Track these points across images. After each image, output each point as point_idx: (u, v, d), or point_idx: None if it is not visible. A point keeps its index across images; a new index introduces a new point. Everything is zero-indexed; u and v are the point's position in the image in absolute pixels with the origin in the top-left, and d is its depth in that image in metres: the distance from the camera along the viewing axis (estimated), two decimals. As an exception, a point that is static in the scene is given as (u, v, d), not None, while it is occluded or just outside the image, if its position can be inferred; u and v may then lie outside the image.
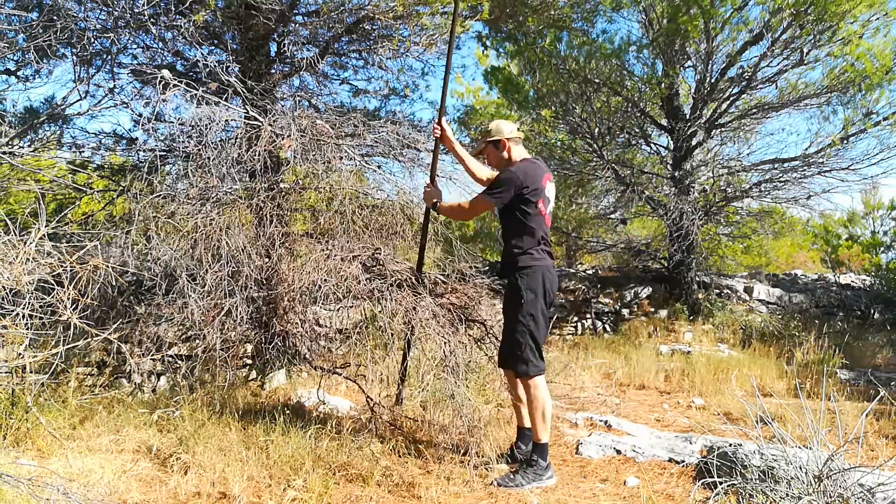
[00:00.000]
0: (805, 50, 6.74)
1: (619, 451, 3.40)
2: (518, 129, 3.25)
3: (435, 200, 3.30)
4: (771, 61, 7.09)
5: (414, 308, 3.23)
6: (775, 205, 8.27)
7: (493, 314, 3.58)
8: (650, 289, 8.54)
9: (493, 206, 3.05)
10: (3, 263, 2.46)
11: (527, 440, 3.18)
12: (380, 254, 3.55)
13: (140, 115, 4.24)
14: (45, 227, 2.58)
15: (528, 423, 3.23)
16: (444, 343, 3.15)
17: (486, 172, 3.41)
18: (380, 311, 3.32)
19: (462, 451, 3.12)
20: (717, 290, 8.67)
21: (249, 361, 4.77)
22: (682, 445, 3.50)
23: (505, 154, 3.18)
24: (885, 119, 6.82)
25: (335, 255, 3.40)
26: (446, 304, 3.38)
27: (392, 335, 3.47)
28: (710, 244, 8.53)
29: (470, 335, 3.51)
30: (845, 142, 7.12)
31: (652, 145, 8.86)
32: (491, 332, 3.59)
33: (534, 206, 3.03)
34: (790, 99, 7.27)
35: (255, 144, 3.59)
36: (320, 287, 3.28)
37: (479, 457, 3.07)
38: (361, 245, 3.54)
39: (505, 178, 3.02)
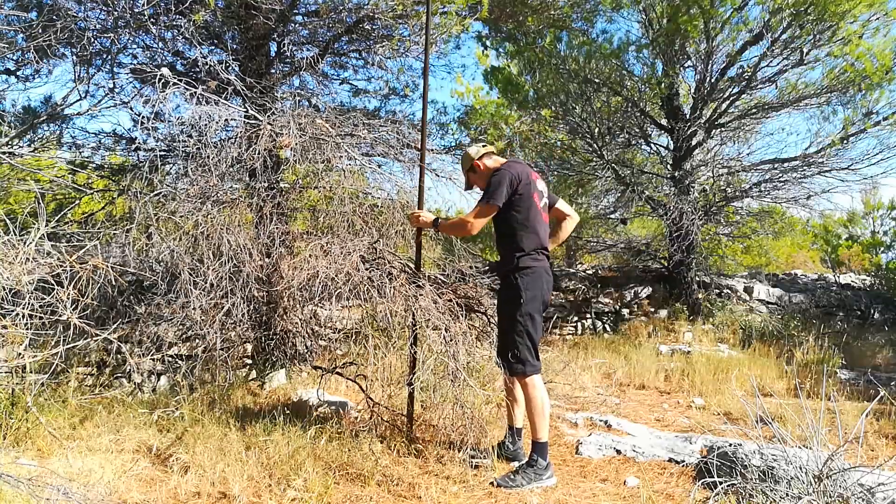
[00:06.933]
0: (805, 50, 6.74)
1: (619, 451, 3.40)
2: (483, 146, 3.32)
3: (434, 218, 3.24)
4: (771, 61, 7.09)
5: (415, 296, 3.21)
6: (775, 205, 8.27)
7: (494, 307, 3.55)
8: (650, 289, 8.54)
9: (496, 207, 3.02)
10: (3, 263, 2.46)
11: (515, 439, 3.24)
12: (378, 244, 3.54)
13: (140, 115, 4.24)
14: (45, 227, 2.58)
15: (519, 424, 3.27)
16: (445, 330, 3.13)
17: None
18: (380, 302, 3.28)
19: (462, 450, 3.12)
20: (717, 290, 8.66)
21: (249, 361, 4.77)
22: (682, 445, 3.50)
23: (483, 170, 3.26)
24: (885, 119, 6.82)
25: (334, 251, 3.38)
26: (447, 295, 3.37)
27: (393, 328, 3.45)
28: (710, 244, 8.53)
29: (472, 325, 3.48)
30: (845, 142, 7.12)
31: (652, 145, 8.85)
32: (493, 322, 3.56)
33: (528, 199, 3.04)
34: (790, 99, 7.26)
35: (255, 143, 3.59)
36: (319, 279, 3.26)
37: (479, 456, 3.07)
38: (360, 241, 3.53)
39: (496, 179, 3.04)
